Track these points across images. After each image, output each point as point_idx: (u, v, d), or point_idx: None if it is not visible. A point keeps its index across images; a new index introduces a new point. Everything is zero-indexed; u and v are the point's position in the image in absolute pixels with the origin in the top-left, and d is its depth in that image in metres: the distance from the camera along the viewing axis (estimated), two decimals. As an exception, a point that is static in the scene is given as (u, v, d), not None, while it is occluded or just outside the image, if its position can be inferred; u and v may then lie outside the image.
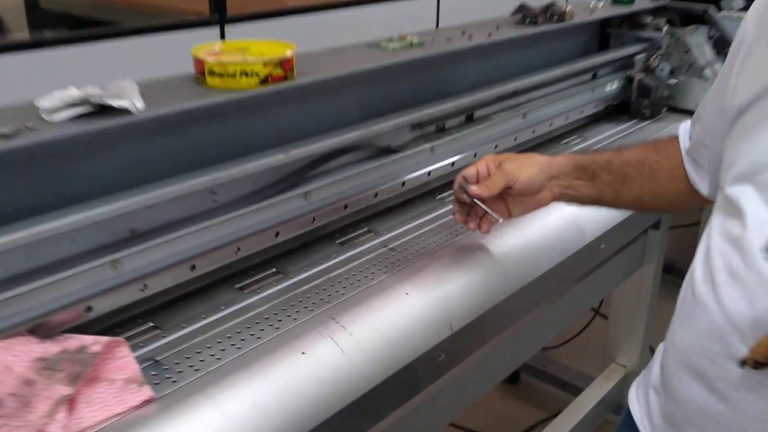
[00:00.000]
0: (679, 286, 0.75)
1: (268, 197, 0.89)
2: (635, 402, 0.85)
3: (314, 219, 0.95)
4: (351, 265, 0.94)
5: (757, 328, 0.61)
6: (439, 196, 1.17)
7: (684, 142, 0.85)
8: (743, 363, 0.62)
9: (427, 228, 1.06)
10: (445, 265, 0.94)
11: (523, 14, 1.38)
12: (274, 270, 0.92)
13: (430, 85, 1.16)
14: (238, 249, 0.86)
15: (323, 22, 2.10)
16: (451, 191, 1.18)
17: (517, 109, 1.30)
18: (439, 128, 1.16)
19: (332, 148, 0.96)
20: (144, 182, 0.79)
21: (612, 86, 1.56)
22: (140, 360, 0.73)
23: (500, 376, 1.29)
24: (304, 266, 0.93)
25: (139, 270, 0.77)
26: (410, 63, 1.09)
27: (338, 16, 2.15)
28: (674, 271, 2.04)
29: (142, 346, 0.76)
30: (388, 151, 1.07)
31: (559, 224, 1.09)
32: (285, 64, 0.88)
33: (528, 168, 0.83)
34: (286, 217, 0.91)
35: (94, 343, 0.69)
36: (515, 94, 1.31)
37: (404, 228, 1.05)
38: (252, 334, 0.79)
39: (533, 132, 1.32)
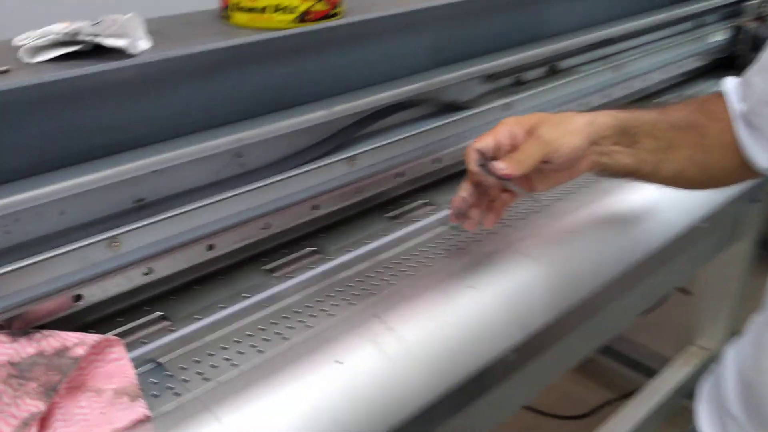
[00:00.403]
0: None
1: (305, 162, 0.73)
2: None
3: (361, 189, 0.79)
4: (404, 246, 0.78)
5: None
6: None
7: (735, 103, 0.68)
8: None
9: (497, 202, 0.89)
10: (520, 251, 0.77)
11: (620, -52, 1.16)
12: (312, 249, 0.77)
13: (507, 30, 0.97)
14: (268, 224, 0.71)
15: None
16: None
17: (608, 60, 1.10)
18: (516, 81, 0.98)
19: (385, 103, 0.79)
20: (152, 141, 0.65)
21: (718, 37, 1.33)
22: (139, 362, 0.60)
23: (574, 364, 1.14)
24: (347, 245, 0.78)
25: (142, 250, 0.62)
26: (485, 1, 0.91)
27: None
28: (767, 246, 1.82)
29: (145, 343, 0.62)
30: (453, 107, 0.89)
31: (658, 201, 0.91)
32: (330, -2, 0.71)
33: (571, 136, 0.64)
34: (327, 187, 0.75)
35: (78, 343, 0.56)
36: (606, 43, 1.10)
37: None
38: (278, 333, 0.64)
39: (626, 88, 1.12)
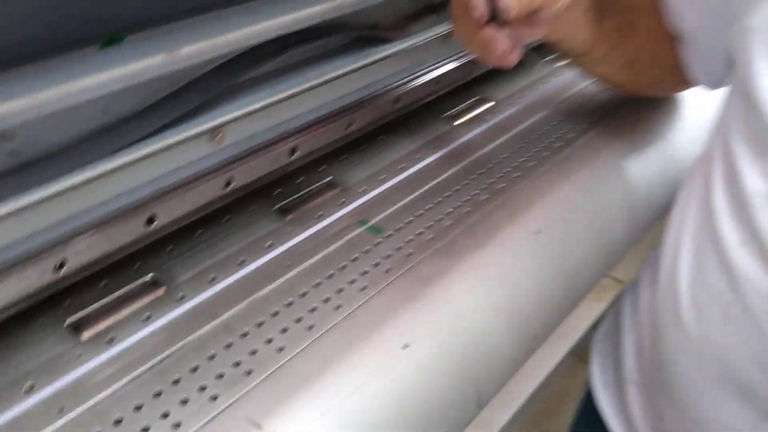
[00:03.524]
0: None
1: (130, 143, 0.43)
2: (604, 399, 0.63)
3: (229, 182, 0.50)
4: (296, 270, 0.51)
5: None
6: (447, 114, 0.72)
7: None
8: None
9: (434, 179, 0.62)
10: (477, 268, 0.52)
11: None
12: (151, 277, 0.48)
13: None
14: (61, 264, 0.41)
15: None
16: (473, 100, 0.74)
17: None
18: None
19: (264, 36, 0.49)
20: None
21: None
22: None
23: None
24: (198, 275, 0.49)
25: None
26: None
27: None
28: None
29: None
30: (369, 39, 0.60)
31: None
32: None
33: None
34: (171, 182, 0.46)
35: None
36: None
37: (391, 185, 0.61)
38: None
39: None
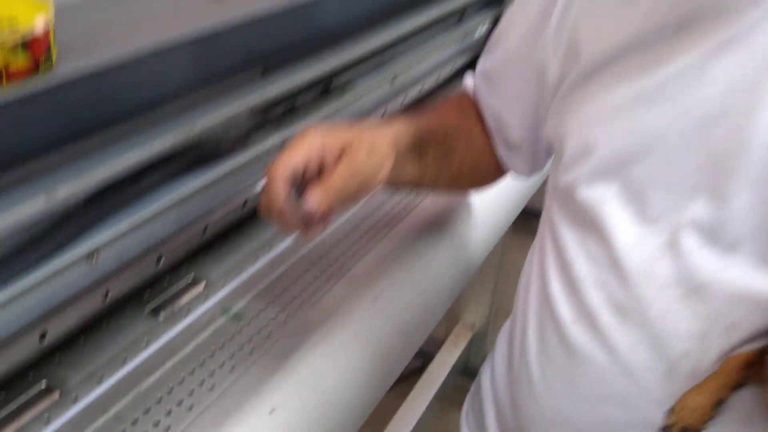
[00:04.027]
0: (532, 223, 0.62)
1: (21, 269, 0.52)
2: None
3: (107, 293, 0.59)
4: (172, 361, 0.60)
5: (671, 381, 0.46)
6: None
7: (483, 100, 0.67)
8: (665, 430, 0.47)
9: (293, 263, 0.73)
10: (330, 336, 0.63)
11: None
12: (45, 384, 0.56)
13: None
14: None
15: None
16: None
17: (383, 70, 0.98)
18: (287, 108, 0.82)
19: (129, 170, 0.59)
20: None
21: (481, 29, 1.28)
22: None
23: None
24: (87, 377, 0.57)
25: None
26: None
27: None
28: (525, 211, 1.87)
29: None
30: (215, 153, 0.71)
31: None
32: (34, 47, 0.48)
33: (385, 163, 0.57)
34: (57, 301, 0.54)
35: None
36: (377, 51, 0.97)
37: (247, 275, 0.72)
38: None
39: (404, 99, 1.01)
